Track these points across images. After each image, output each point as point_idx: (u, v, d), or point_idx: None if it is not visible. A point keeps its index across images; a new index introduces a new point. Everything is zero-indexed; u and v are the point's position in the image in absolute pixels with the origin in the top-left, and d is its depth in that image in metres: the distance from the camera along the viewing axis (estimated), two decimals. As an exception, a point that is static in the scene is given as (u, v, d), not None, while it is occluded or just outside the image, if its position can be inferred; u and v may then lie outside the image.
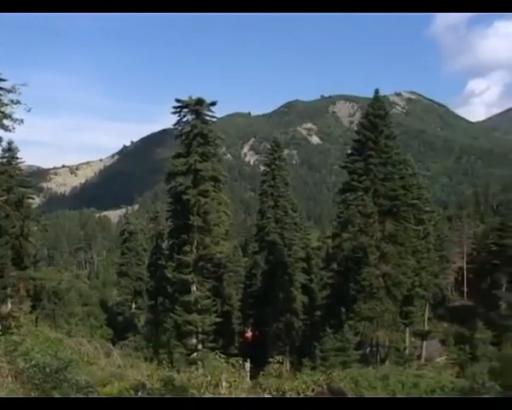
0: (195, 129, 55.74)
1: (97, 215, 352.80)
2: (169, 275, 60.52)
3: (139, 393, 18.19)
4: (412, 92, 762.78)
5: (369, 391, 32.11)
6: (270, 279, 76.39)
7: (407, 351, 77.73)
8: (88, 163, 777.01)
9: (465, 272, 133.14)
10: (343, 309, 62.93)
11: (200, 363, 52.47)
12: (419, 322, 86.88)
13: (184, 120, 57.34)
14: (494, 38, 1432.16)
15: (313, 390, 20.70)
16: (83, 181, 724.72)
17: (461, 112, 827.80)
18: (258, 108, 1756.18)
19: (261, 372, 25.82)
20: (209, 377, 18.81)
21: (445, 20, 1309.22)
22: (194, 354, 57.08)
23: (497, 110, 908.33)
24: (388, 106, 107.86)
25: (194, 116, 56.70)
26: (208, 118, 57.21)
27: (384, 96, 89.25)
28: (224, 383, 18.56)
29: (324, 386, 21.95)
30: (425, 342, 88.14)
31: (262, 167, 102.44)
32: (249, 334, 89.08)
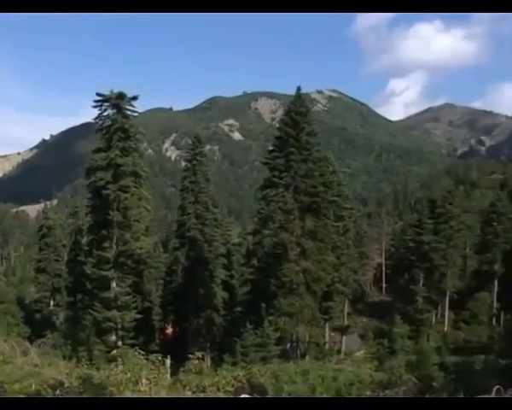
0: (116, 123, 54.91)
1: (15, 210, 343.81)
2: (88, 271, 59.26)
3: (57, 392, 17.72)
4: (334, 90, 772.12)
5: (289, 386, 32.17)
6: (191, 275, 76.02)
7: (327, 346, 78.78)
8: (5, 157, 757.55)
9: (384, 268, 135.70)
10: (263, 305, 63.11)
11: (120, 360, 51.79)
12: (338, 317, 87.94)
13: (105, 114, 56.38)
14: (414, 39, 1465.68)
15: (233, 386, 20.62)
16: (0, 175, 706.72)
17: (381, 111, 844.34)
18: (180, 103, 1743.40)
19: (181, 369, 25.63)
20: (129, 375, 18.50)
21: (366, 21, 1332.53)
22: (114, 351, 56.22)
23: (415, 110, 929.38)
24: (310, 103, 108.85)
25: (114, 110, 55.82)
26: (129, 112, 56.39)
27: (306, 93, 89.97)
28: (143, 380, 18.28)
29: (244, 381, 21.92)
30: (344, 337, 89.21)
31: (183, 163, 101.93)
32: (170, 330, 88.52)
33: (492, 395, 11.90)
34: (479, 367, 60.47)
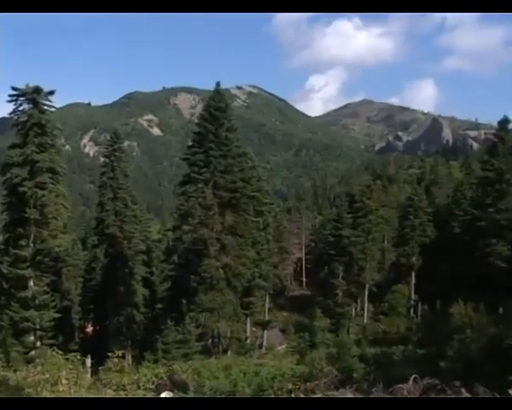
0: (32, 119, 53.70)
1: None
2: (4, 270, 57.72)
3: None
4: (253, 86, 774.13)
5: (211, 381, 32.08)
6: (110, 273, 75.01)
7: (248, 341, 78.96)
8: None
9: (304, 263, 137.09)
10: (184, 301, 62.85)
11: (38, 361, 50.63)
12: (260, 312, 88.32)
13: (21, 108, 55.04)
14: (333, 36, 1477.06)
15: (153, 383, 20.44)
16: None
17: (300, 107, 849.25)
18: (98, 98, 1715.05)
19: (101, 368, 25.27)
20: (47, 375, 18.05)
21: (286, 16, 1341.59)
22: (33, 351, 55.03)
23: (334, 106, 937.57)
24: (229, 99, 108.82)
25: (31, 105, 54.57)
26: (46, 107, 55.23)
27: (225, 89, 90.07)
28: (63, 381, 17.87)
29: (166, 379, 21.76)
30: (266, 332, 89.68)
31: (102, 159, 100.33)
32: (90, 329, 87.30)
33: (410, 384, 12.07)
34: (397, 357, 61.70)
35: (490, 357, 38.92)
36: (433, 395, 11.26)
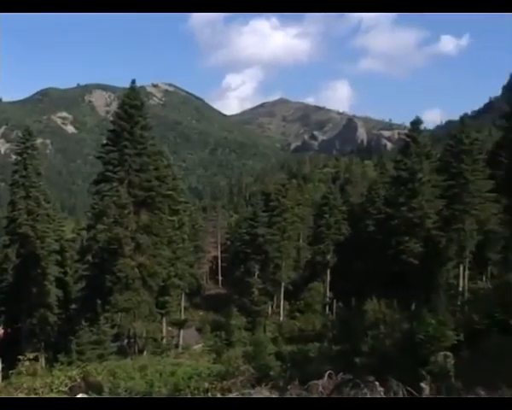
0: None
1: None
2: None
3: None
4: (170, 84, 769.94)
5: (127, 382, 31.72)
6: (23, 273, 73.36)
7: (164, 341, 78.42)
8: None
9: (219, 261, 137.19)
10: (99, 301, 61.83)
11: None
12: (175, 311, 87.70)
13: None
14: (250, 35, 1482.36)
15: (67, 386, 20.06)
16: None
17: (217, 105, 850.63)
18: (10, 94, 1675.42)
19: (11, 371, 24.67)
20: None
21: (202, 16, 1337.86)
22: None
23: (250, 105, 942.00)
24: (145, 97, 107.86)
25: None
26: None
27: (141, 86, 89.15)
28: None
29: (79, 380, 21.33)
30: (182, 331, 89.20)
31: (13, 157, 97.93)
32: (1, 332, 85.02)
33: (325, 380, 12.11)
34: (313, 354, 62.41)
35: (403, 352, 39.85)
36: (346, 390, 11.32)
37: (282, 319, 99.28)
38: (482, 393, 14.62)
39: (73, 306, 79.96)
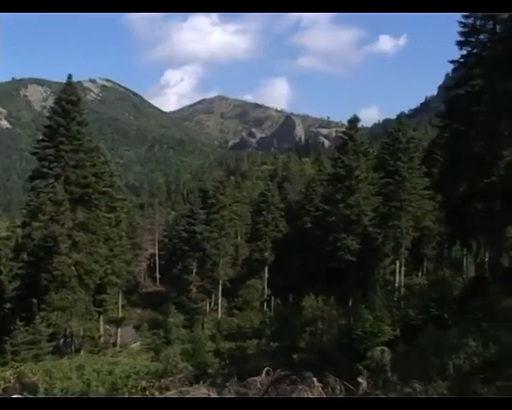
0: None
1: None
2: None
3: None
4: (107, 80, 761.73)
5: (63, 382, 31.26)
6: (-45, 272, 71.69)
7: (102, 339, 77.56)
8: None
9: (157, 259, 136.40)
10: (35, 300, 60.87)
11: None
12: (113, 310, 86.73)
13: None
14: (190, 31, 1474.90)
15: (0, 386, 19.67)
16: None
17: (155, 102, 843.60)
18: None
19: None
20: None
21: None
22: None
23: (189, 101, 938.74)
24: (82, 92, 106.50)
25: None
26: None
27: (78, 81, 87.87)
28: None
29: (13, 381, 20.90)
30: (120, 329, 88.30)
31: None
32: None
33: (262, 377, 12.16)
34: (252, 351, 62.74)
35: (340, 347, 40.30)
36: (284, 386, 11.39)
37: (220, 316, 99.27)
38: (417, 386, 14.87)
39: (8, 305, 78.46)
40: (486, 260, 50.30)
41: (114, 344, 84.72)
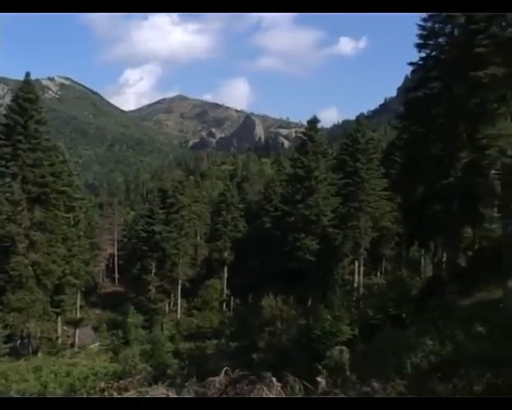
0: None
1: None
2: None
3: None
4: (66, 78, 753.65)
5: (20, 384, 30.99)
6: None
7: (60, 340, 76.83)
8: None
9: (116, 259, 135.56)
10: (-9, 302, 60.12)
11: None
12: (71, 310, 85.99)
13: None
14: (150, 30, 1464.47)
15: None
16: None
17: (114, 101, 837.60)
18: None
19: None
20: None
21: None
22: None
23: (148, 101, 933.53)
24: (40, 90, 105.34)
25: None
26: None
27: (36, 79, 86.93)
28: None
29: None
30: (78, 330, 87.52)
31: None
32: None
33: (221, 377, 12.15)
34: (211, 351, 62.66)
35: (299, 347, 40.51)
36: (243, 386, 11.41)
37: (179, 316, 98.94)
38: (375, 385, 15.01)
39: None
40: (444, 260, 51.00)
41: (73, 345, 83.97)
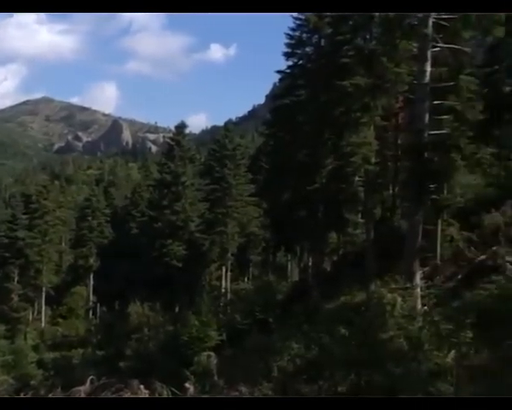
0: None
1: None
2: None
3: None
4: None
5: None
6: None
7: None
8: None
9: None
10: None
11: None
12: None
13: None
14: (15, 28, 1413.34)
15: None
16: None
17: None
18: None
19: None
20: None
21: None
22: None
23: (11, 102, 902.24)
24: None
25: None
26: None
27: None
28: None
29: None
30: None
31: None
32: None
33: (87, 386, 11.90)
34: (77, 361, 61.24)
35: (167, 354, 40.22)
36: (109, 395, 11.18)
37: (43, 325, 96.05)
38: (243, 389, 15.01)
39: None
40: (310, 264, 52.10)
41: None
